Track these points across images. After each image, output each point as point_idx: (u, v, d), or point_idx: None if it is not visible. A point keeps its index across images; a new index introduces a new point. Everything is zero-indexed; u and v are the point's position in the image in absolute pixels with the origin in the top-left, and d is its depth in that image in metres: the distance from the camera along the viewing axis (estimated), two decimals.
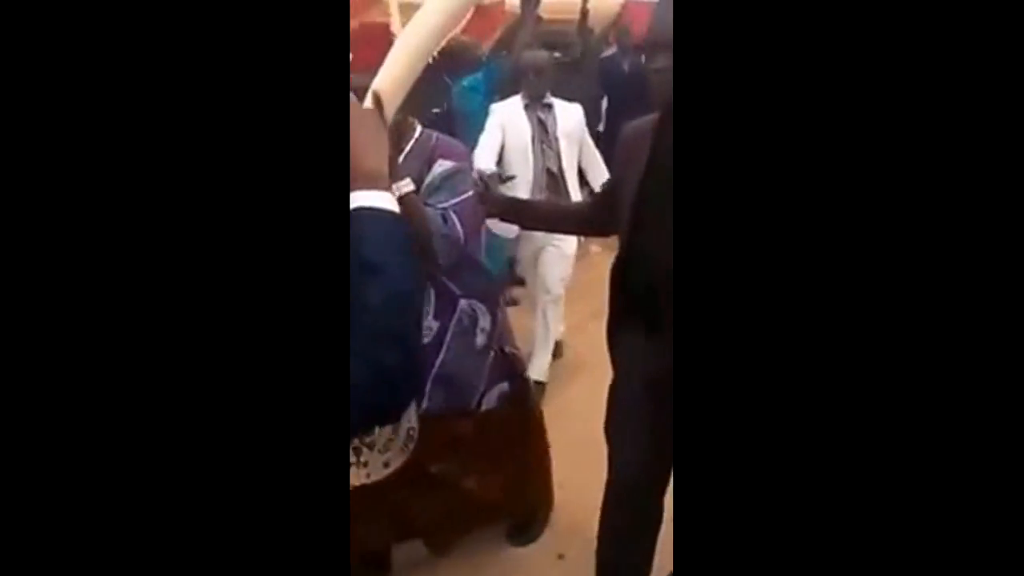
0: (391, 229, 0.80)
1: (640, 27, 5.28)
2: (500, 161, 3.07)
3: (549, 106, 3.11)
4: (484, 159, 2.95)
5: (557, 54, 4.35)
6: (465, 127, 3.49)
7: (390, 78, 0.98)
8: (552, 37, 4.91)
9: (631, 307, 1.65)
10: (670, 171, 1.42)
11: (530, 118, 3.07)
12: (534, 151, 3.02)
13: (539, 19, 4.92)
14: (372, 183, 0.80)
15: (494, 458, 2.00)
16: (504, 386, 1.95)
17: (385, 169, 0.83)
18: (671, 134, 1.51)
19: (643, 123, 1.70)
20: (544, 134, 3.09)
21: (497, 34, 4.55)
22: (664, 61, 1.41)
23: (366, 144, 0.81)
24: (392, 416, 0.83)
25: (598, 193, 1.88)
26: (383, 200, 0.80)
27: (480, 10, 5.41)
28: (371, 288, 0.74)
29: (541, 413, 2.20)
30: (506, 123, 3.05)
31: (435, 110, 3.46)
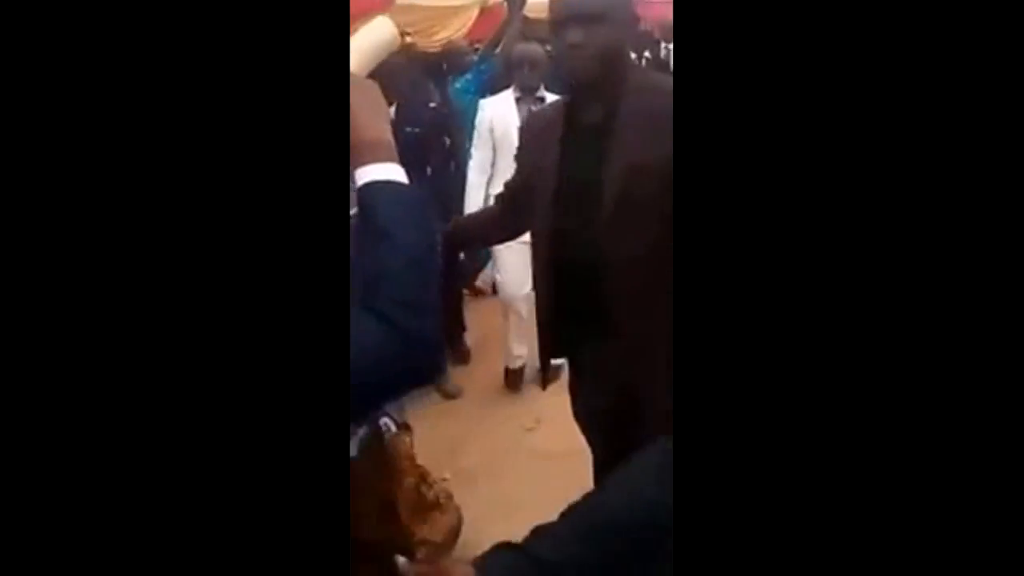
0: (402, 199, 0.80)
1: (648, 17, 5.26)
2: (494, 161, 3.07)
3: (542, 99, 3.08)
4: (475, 182, 3.02)
5: (549, 47, 4.35)
6: (459, 124, 3.47)
7: None
8: (545, 32, 4.91)
9: (571, 310, 1.54)
10: (597, 154, 1.40)
11: (521, 111, 3.04)
12: None
13: (526, 18, 4.91)
14: (375, 154, 0.81)
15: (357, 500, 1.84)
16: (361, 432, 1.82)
17: (388, 138, 0.84)
18: (593, 112, 1.44)
19: (548, 109, 1.64)
20: None
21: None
22: (577, 35, 1.34)
23: (367, 114, 0.82)
24: (426, 377, 0.83)
25: (503, 192, 1.74)
26: (390, 172, 0.81)
27: (483, 12, 5.40)
28: (390, 257, 0.75)
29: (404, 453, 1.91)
30: (495, 118, 3.05)
31: (431, 104, 3.44)
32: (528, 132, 1.64)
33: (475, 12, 5.40)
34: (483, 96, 3.71)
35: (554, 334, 1.62)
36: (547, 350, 1.65)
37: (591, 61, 1.38)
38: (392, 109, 3.12)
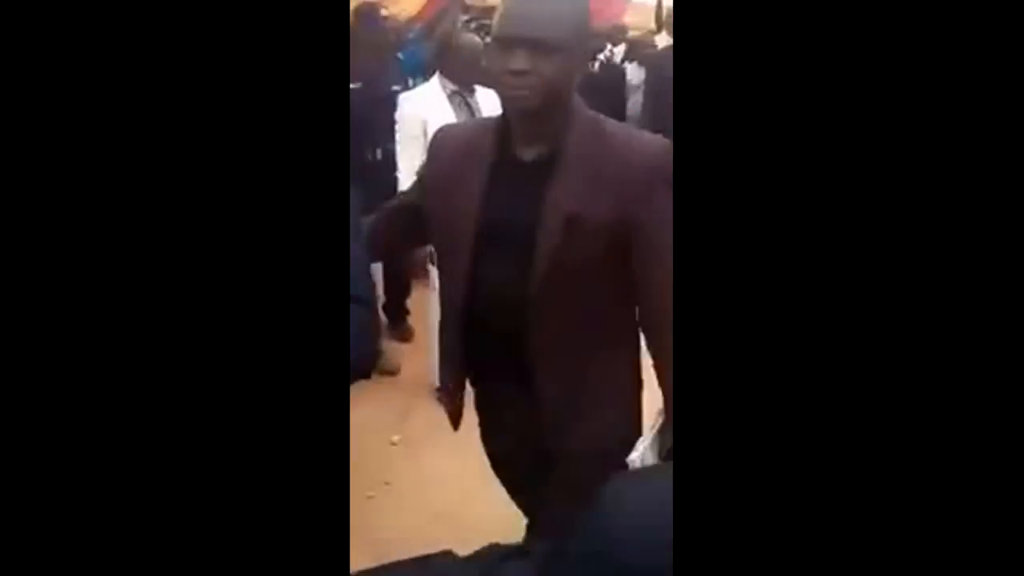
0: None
1: (601, 18, 5.01)
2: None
3: (473, 91, 2.76)
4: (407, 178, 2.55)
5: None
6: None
7: None
8: (488, 21, 4.58)
9: (486, 364, 1.41)
10: (532, 198, 1.24)
11: (457, 105, 2.70)
12: None
13: (464, 6, 4.59)
14: None
15: None
16: None
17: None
18: (531, 148, 1.26)
19: (475, 128, 1.42)
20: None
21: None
22: (522, 61, 1.15)
23: None
24: (360, 369, 0.96)
25: (400, 204, 1.52)
26: None
27: None
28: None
29: None
30: (426, 115, 2.63)
31: (394, 88, 3.14)
32: (444, 148, 1.38)
33: None
34: (410, 81, 3.39)
35: (459, 381, 1.47)
36: (453, 395, 1.50)
37: (533, 93, 1.17)
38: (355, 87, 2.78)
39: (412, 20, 4.37)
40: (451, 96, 2.70)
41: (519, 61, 1.14)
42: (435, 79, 2.74)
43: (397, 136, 2.73)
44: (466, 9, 4.24)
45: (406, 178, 2.60)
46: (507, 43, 1.16)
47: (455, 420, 1.51)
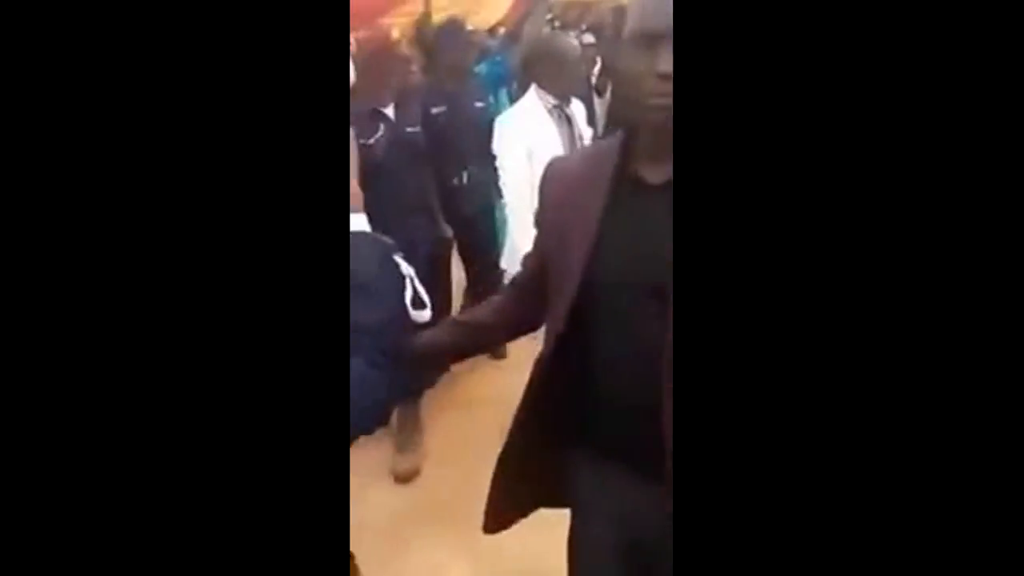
0: (374, 252, 0.91)
1: None
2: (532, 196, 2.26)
3: (570, 101, 2.37)
4: (520, 243, 2.13)
5: (589, 38, 3.58)
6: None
7: None
8: (578, 16, 4.13)
9: (588, 433, 1.14)
10: (664, 234, 0.90)
11: (558, 121, 2.31)
12: None
13: (550, 13, 4.20)
14: None
15: None
16: None
17: (355, 186, 0.95)
18: (660, 168, 0.99)
19: (580, 158, 1.20)
20: (572, 137, 2.34)
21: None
22: (670, 62, 0.90)
23: None
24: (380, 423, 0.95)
25: (520, 275, 1.26)
26: (356, 223, 0.93)
27: None
28: (368, 313, 0.85)
29: None
30: (528, 139, 2.24)
31: (478, 104, 2.87)
32: (558, 184, 1.12)
33: None
34: (497, 95, 3.04)
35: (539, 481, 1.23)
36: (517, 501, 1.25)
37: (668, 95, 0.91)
38: (391, 109, 2.47)
39: (494, 28, 4.02)
40: (551, 111, 2.32)
41: (668, 62, 0.89)
42: (531, 94, 2.35)
43: (499, 173, 2.33)
44: (549, 8, 3.85)
45: (519, 220, 2.22)
46: (650, 40, 0.91)
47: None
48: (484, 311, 1.31)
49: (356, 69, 2.40)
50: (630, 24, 0.95)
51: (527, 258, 1.23)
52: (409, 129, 2.53)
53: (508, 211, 2.32)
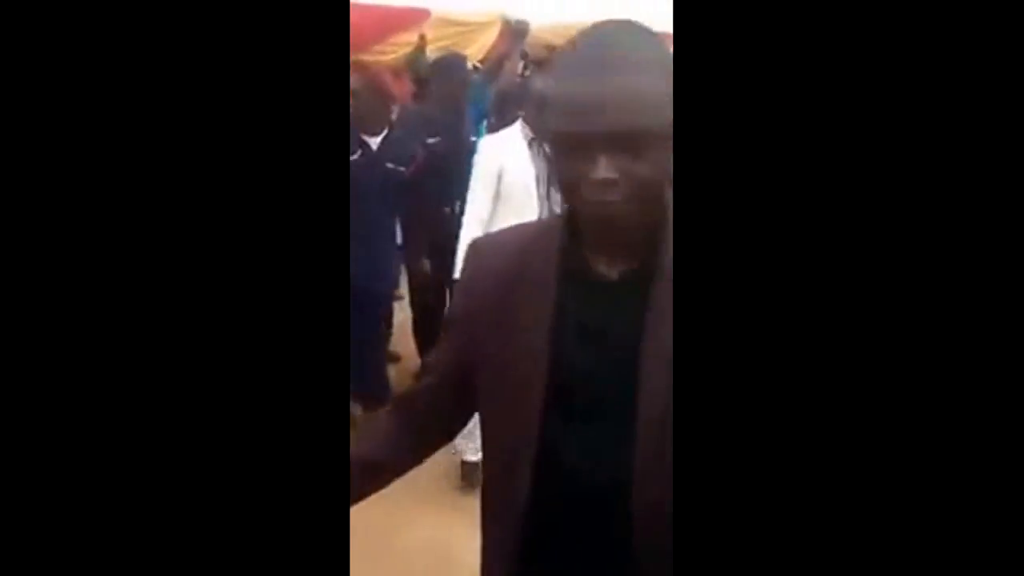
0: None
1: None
2: (493, 211, 2.71)
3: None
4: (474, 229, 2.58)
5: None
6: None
7: None
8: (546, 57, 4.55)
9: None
10: (625, 336, 0.86)
11: (535, 153, 2.71)
12: (539, 193, 2.63)
13: (525, 54, 4.55)
14: None
15: None
16: None
17: None
18: (615, 263, 0.87)
19: (516, 238, 0.97)
20: (547, 172, 2.74)
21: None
22: (610, 168, 0.79)
23: None
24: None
25: (427, 380, 1.04)
26: None
27: (503, 30, 4.86)
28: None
29: None
30: (507, 163, 2.68)
31: (429, 140, 3.14)
32: (485, 270, 0.95)
33: (497, 29, 4.92)
34: (479, 129, 3.41)
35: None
36: None
37: (626, 206, 0.80)
38: (376, 140, 2.82)
39: (481, 63, 4.40)
40: (530, 144, 2.72)
41: (607, 168, 0.78)
42: (517, 125, 2.78)
43: (472, 178, 2.77)
44: (524, 55, 4.25)
45: (474, 219, 2.67)
46: (581, 144, 0.79)
47: None
48: (386, 426, 1.06)
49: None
50: (555, 126, 0.81)
51: (432, 355, 1.04)
52: (389, 165, 2.84)
53: (466, 218, 2.72)
